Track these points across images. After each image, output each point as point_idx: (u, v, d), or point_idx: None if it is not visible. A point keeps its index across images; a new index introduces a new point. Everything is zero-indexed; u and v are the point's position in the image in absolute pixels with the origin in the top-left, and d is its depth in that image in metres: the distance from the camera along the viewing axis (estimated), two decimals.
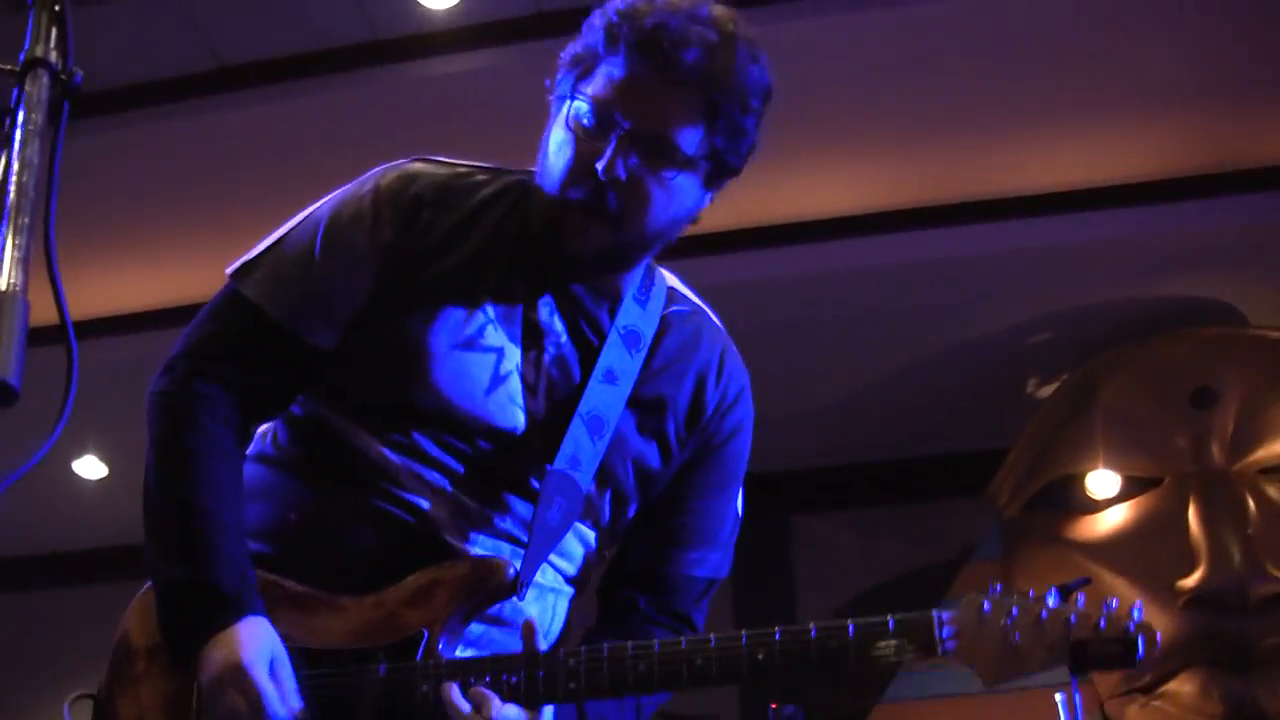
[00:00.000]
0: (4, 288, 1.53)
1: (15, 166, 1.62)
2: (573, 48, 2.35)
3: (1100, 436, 7.24)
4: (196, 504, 2.27)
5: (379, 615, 2.21)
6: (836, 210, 6.89)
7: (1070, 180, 6.79)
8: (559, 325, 2.39)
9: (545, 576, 2.36)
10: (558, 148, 2.29)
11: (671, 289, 2.53)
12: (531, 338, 2.36)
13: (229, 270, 2.43)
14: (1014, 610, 2.04)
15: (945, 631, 2.06)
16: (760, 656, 2.11)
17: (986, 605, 2.05)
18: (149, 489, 2.35)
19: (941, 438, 8.39)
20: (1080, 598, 2.03)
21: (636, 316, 2.41)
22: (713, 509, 2.51)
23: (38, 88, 1.68)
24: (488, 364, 2.31)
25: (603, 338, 2.39)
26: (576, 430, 2.30)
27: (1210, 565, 6.78)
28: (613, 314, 2.41)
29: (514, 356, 2.34)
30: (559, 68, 2.36)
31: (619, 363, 2.37)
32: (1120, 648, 1.98)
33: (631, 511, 2.46)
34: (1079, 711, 5.16)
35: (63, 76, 1.71)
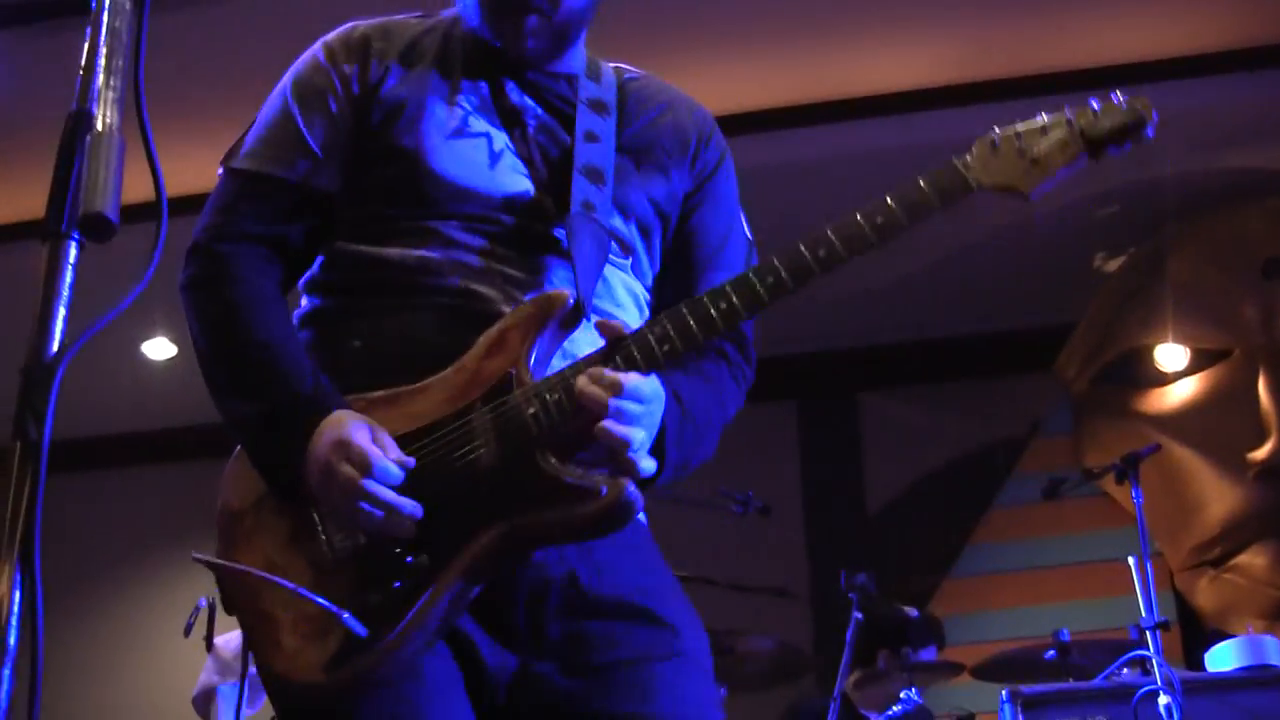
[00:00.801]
0: (100, 128, 1.55)
1: (106, 13, 1.64)
2: None
3: (1169, 309, 7.20)
4: (250, 341, 2.33)
5: (463, 378, 2.26)
6: (898, 85, 6.83)
7: (1136, 51, 6.69)
8: (530, 103, 2.51)
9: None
10: None
11: (616, 66, 2.67)
12: (510, 119, 2.48)
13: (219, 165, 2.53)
14: (1018, 132, 2.27)
15: (970, 174, 2.26)
16: (822, 253, 2.23)
17: (995, 139, 2.27)
18: (204, 356, 2.38)
19: (1008, 313, 8.37)
20: (1067, 108, 2.27)
21: (595, 89, 2.56)
22: (730, 233, 2.61)
23: None
24: (481, 146, 2.42)
25: (573, 107, 2.51)
26: (579, 182, 2.41)
27: None
28: (573, 90, 2.54)
29: (501, 138, 2.44)
30: None
31: (595, 125, 2.50)
32: (1122, 116, 2.24)
33: (657, 241, 2.56)
34: (1149, 573, 5.17)
35: None
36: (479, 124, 2.45)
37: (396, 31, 2.54)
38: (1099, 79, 6.68)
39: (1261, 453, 6.77)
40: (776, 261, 2.24)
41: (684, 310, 2.23)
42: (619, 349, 2.21)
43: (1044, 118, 2.27)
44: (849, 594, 5.73)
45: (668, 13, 6.34)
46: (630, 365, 2.20)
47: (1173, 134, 6.82)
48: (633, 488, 2.13)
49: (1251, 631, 5.62)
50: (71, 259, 1.58)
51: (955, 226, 7.59)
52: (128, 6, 1.61)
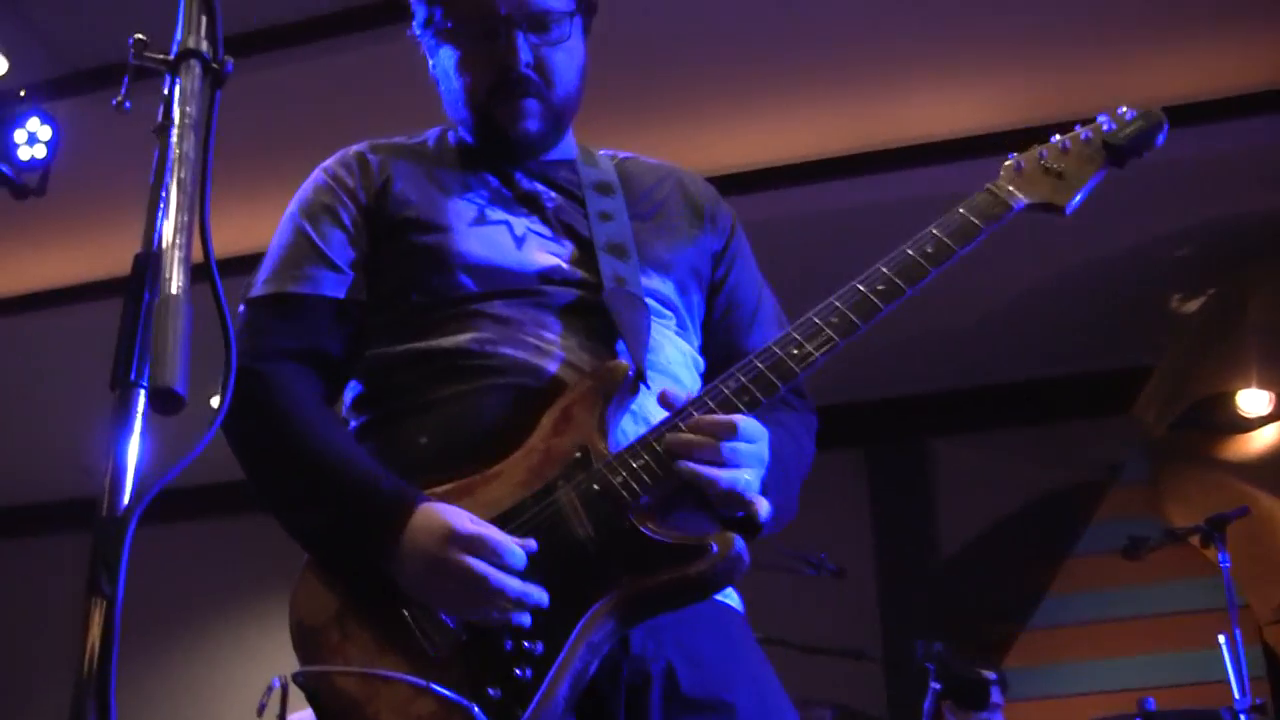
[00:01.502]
0: (171, 290, 1.49)
1: (174, 164, 1.59)
2: None
3: (1251, 352, 7.07)
4: (313, 449, 2.29)
5: (535, 459, 2.24)
6: (964, 130, 6.74)
7: (1209, 88, 6.54)
8: (542, 187, 2.54)
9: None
10: (460, 66, 2.51)
11: (603, 152, 2.73)
12: (527, 204, 2.51)
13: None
14: (1042, 154, 2.44)
15: (1006, 194, 2.38)
16: (881, 287, 2.27)
17: (1018, 164, 2.43)
18: (264, 473, 2.35)
19: (1082, 356, 8.26)
20: (1078, 127, 2.46)
21: (595, 173, 2.61)
22: (762, 290, 2.66)
23: (191, 79, 1.65)
24: (504, 231, 2.45)
25: (581, 188, 2.56)
26: (605, 260, 2.44)
27: None
28: (576, 175, 2.59)
29: (521, 223, 2.47)
30: (412, 9, 2.59)
31: (605, 205, 2.54)
32: (1140, 124, 2.43)
33: (695, 299, 2.56)
34: (1240, 645, 5.04)
35: (214, 66, 1.68)
36: (496, 214, 2.47)
37: (388, 145, 2.59)
38: (1169, 117, 6.58)
39: None
40: (838, 303, 2.28)
41: (755, 361, 2.24)
42: (697, 405, 2.21)
43: (1058, 138, 2.46)
44: (926, 664, 5.66)
45: (712, 68, 6.30)
46: None
47: (1253, 171, 6.79)
48: (741, 542, 2.12)
49: None
50: (140, 408, 1.51)
51: (1026, 268, 7.50)
52: (192, 157, 1.55)
